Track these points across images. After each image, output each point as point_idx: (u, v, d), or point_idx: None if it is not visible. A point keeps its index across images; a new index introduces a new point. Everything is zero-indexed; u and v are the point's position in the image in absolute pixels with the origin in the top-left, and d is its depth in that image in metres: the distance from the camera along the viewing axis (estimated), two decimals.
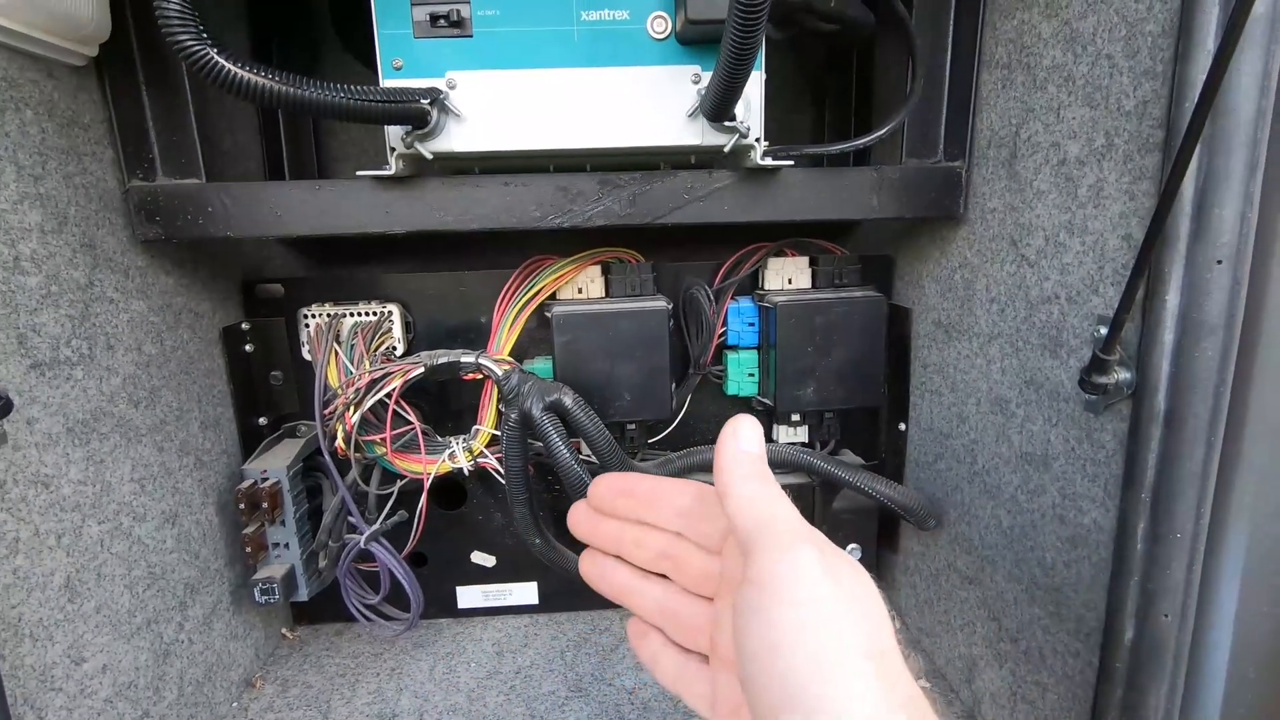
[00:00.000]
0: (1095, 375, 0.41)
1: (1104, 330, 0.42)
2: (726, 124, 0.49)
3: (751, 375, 0.69)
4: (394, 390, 0.60)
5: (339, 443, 0.60)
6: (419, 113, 0.46)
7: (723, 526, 0.29)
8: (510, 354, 0.65)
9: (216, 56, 0.39)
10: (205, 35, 0.39)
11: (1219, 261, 0.35)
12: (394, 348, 0.67)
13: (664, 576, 0.31)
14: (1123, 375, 0.41)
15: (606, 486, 0.33)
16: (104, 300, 0.51)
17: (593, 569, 0.33)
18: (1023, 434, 0.52)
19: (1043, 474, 0.50)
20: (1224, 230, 0.35)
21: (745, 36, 0.38)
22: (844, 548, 0.70)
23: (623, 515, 0.32)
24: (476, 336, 0.70)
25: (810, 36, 0.63)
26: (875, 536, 0.72)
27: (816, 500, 0.68)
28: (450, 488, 0.74)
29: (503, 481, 0.64)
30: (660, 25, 0.49)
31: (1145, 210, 0.40)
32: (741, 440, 0.27)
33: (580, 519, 0.34)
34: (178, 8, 0.38)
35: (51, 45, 0.45)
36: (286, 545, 0.65)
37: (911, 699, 0.21)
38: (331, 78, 0.68)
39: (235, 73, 0.39)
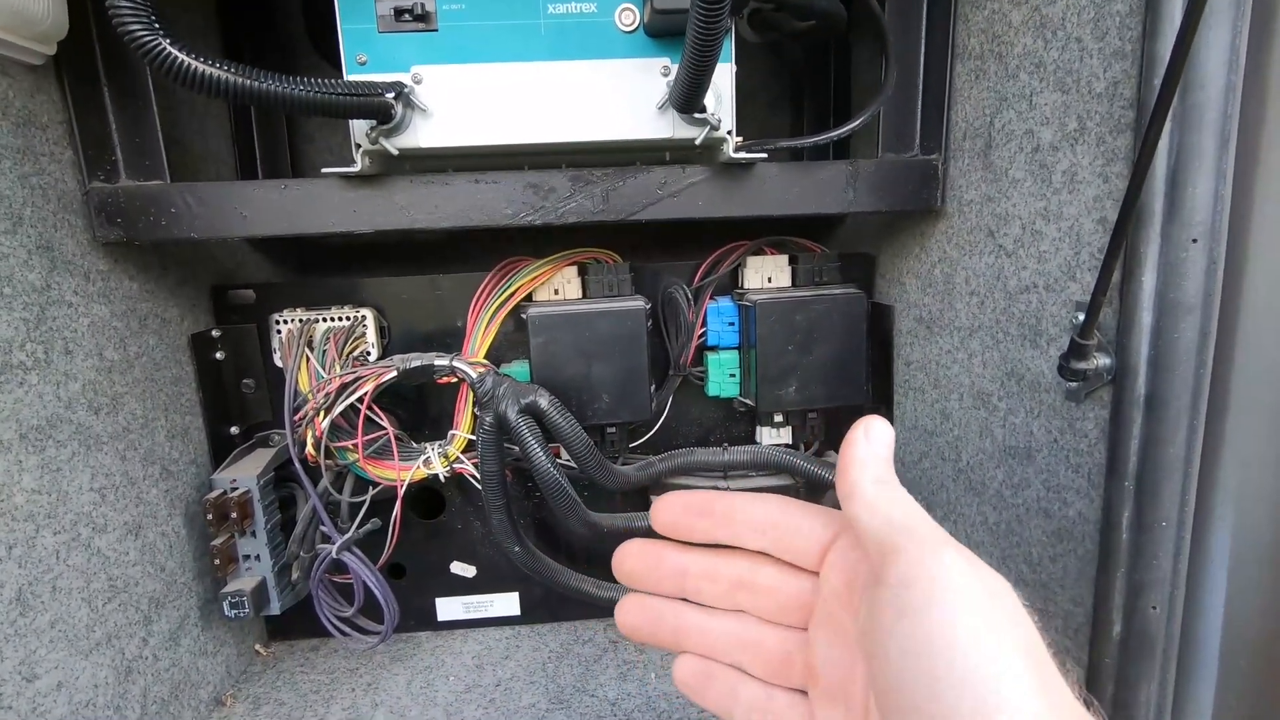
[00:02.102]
0: (1074, 361, 0.40)
1: (1082, 316, 0.41)
2: (697, 115, 0.48)
3: (733, 376, 0.68)
4: (366, 395, 0.59)
5: (309, 449, 0.59)
6: (383, 106, 0.45)
7: (818, 539, 0.27)
8: (486, 357, 0.64)
9: (170, 48, 0.38)
10: (159, 27, 0.38)
11: (1194, 240, 0.35)
12: (369, 353, 0.65)
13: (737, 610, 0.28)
14: (1102, 361, 0.40)
15: (680, 507, 0.29)
16: (62, 304, 0.50)
17: (644, 616, 0.29)
18: (1005, 427, 0.51)
19: (1026, 467, 0.49)
20: (1198, 208, 0.35)
21: (709, 21, 0.38)
22: None
23: (698, 539, 0.29)
24: (453, 341, 0.69)
25: (787, 37, 0.63)
26: None
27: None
28: (428, 496, 0.72)
29: (477, 485, 0.63)
30: (628, 17, 0.48)
31: (1119, 192, 0.39)
32: (873, 441, 0.26)
33: (637, 557, 0.30)
34: None
35: (4, 43, 0.44)
36: (257, 557, 0.63)
37: (1074, 706, 0.20)
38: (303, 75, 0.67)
39: (190, 64, 0.38)
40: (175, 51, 0.38)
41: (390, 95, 0.46)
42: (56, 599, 0.47)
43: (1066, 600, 0.46)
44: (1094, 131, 0.40)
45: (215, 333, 0.66)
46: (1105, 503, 0.41)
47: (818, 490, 0.67)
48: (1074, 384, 0.42)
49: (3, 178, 0.45)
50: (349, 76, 0.48)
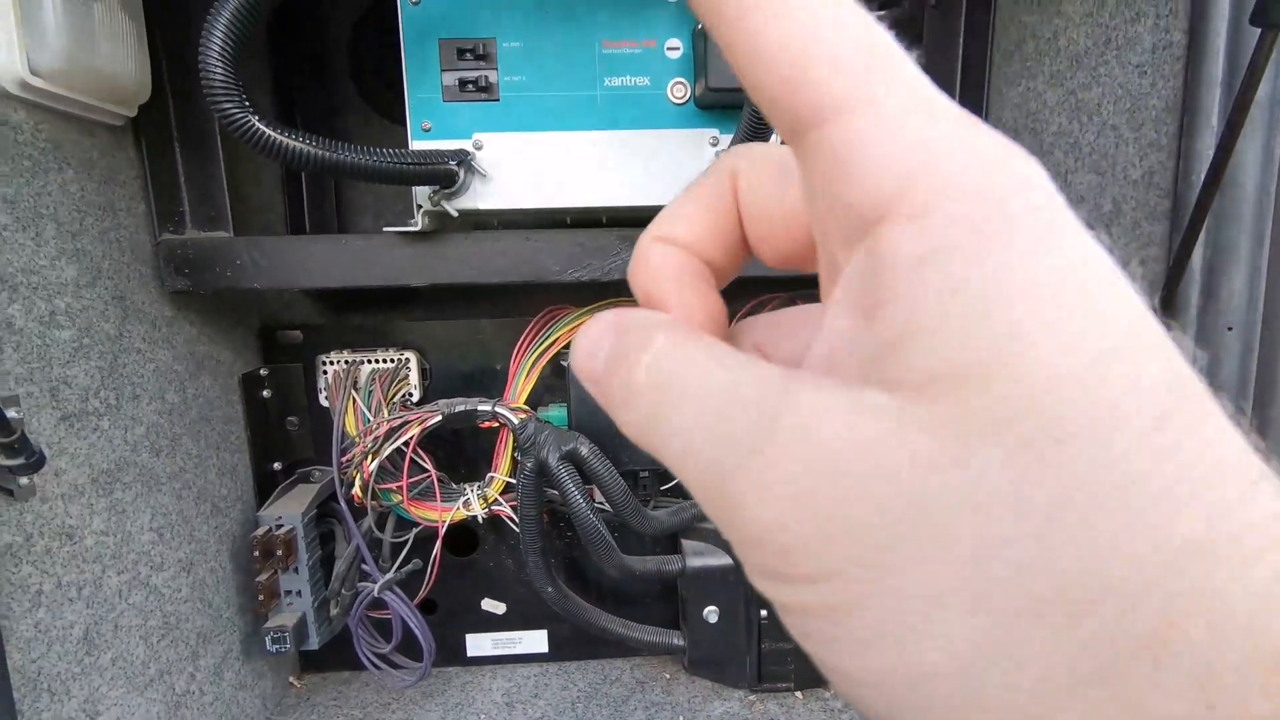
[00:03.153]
0: None
1: None
2: None
3: None
4: (411, 439, 0.61)
5: (356, 491, 0.61)
6: (448, 174, 0.48)
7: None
8: (526, 402, 0.66)
9: (258, 124, 0.40)
10: (247, 102, 0.40)
11: (1229, 328, 0.36)
12: (410, 394, 0.68)
13: None
14: None
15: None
16: (132, 351, 0.52)
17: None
18: None
19: None
20: (1234, 296, 0.36)
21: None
22: None
23: None
24: (491, 383, 0.71)
25: None
26: None
27: None
28: (462, 534, 0.74)
29: (515, 528, 0.64)
30: (680, 91, 0.51)
31: (1155, 275, 0.41)
32: None
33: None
34: (222, 77, 0.39)
35: (95, 108, 0.47)
36: (299, 593, 0.65)
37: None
38: (350, 125, 0.70)
39: (275, 139, 0.41)
40: (263, 128, 0.40)
41: (454, 163, 0.48)
42: (118, 637, 0.49)
43: None
44: (1129, 215, 0.42)
45: (263, 372, 0.69)
46: None
47: None
48: None
49: (86, 234, 0.48)
50: (414, 142, 0.51)
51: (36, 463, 0.40)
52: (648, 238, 0.17)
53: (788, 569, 0.12)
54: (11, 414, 0.39)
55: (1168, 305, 0.37)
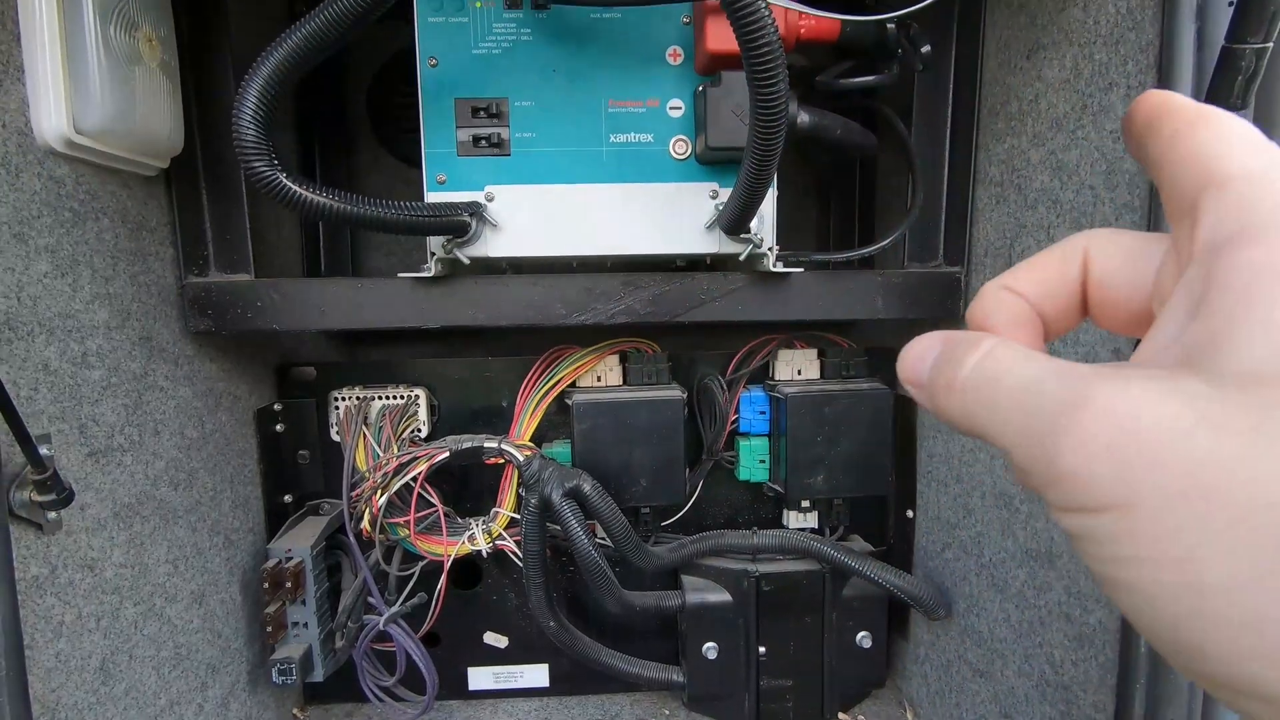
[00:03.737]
0: None
1: None
2: (742, 236, 0.53)
3: (763, 461, 0.71)
4: (419, 474, 0.62)
5: (365, 525, 0.62)
6: (461, 224, 0.50)
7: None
8: (530, 439, 0.68)
9: (285, 181, 0.43)
10: (276, 160, 0.43)
11: None
12: (419, 430, 0.70)
13: None
14: None
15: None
16: (155, 389, 0.54)
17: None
18: (1027, 530, 0.54)
19: (1048, 571, 0.51)
20: None
21: (763, 165, 0.43)
22: (855, 635, 0.71)
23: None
24: (498, 420, 0.73)
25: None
26: (886, 624, 0.72)
27: (826, 587, 0.69)
28: (465, 567, 0.75)
29: (518, 563, 0.66)
30: (681, 147, 0.53)
31: None
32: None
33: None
34: (253, 138, 0.42)
35: (132, 161, 0.50)
36: (305, 625, 0.66)
37: None
38: (367, 167, 0.73)
39: (302, 195, 0.43)
40: (290, 185, 0.43)
41: (467, 214, 0.51)
42: (132, 668, 0.50)
43: (1088, 705, 0.48)
44: None
45: (277, 407, 0.71)
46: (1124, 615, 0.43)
47: (842, 576, 0.70)
48: None
49: (118, 279, 0.51)
50: (429, 193, 0.53)
51: (66, 498, 0.42)
52: (995, 285, 0.21)
53: (1091, 502, 0.15)
54: (44, 451, 0.41)
55: None
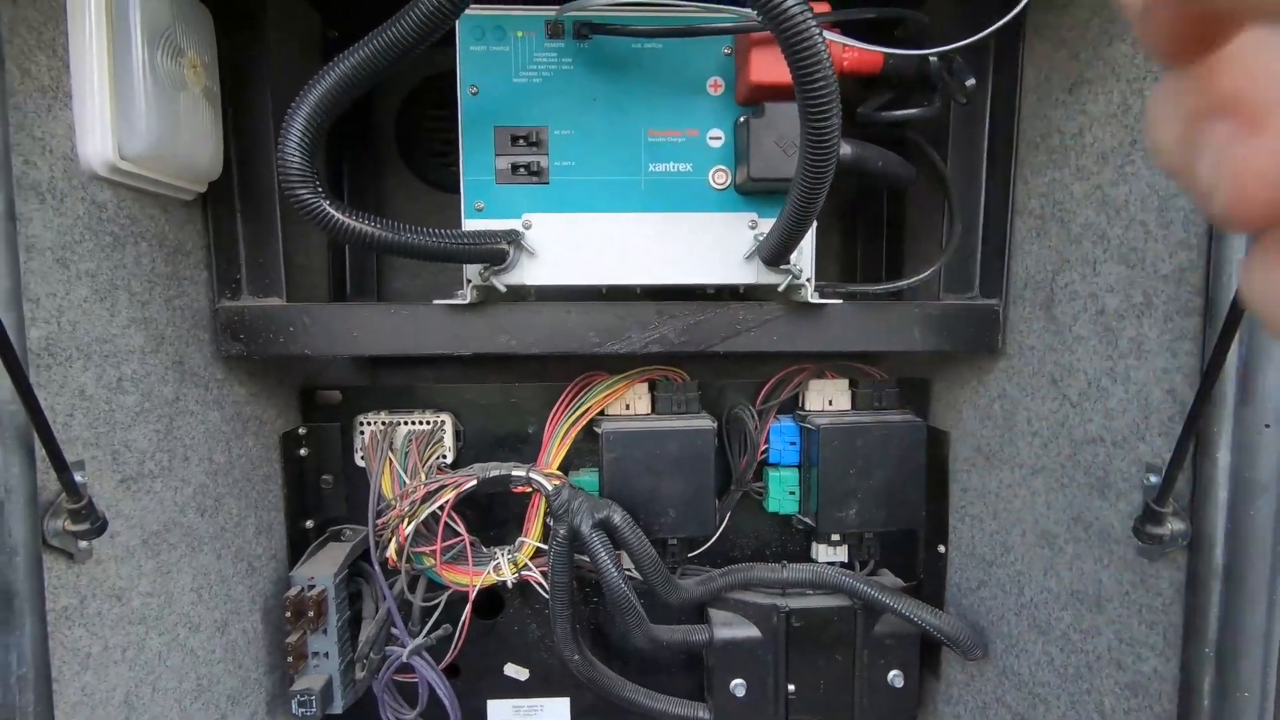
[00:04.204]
0: (1150, 526, 0.42)
1: (1154, 479, 0.43)
2: (782, 267, 0.52)
3: (793, 493, 0.70)
4: (446, 503, 0.61)
5: (390, 554, 0.61)
6: (499, 253, 0.50)
7: None
8: (558, 467, 0.67)
9: (329, 209, 0.43)
10: (320, 189, 0.43)
11: (1267, 425, 0.37)
12: (444, 456, 0.69)
13: None
14: (1177, 526, 0.42)
15: None
16: (186, 413, 0.54)
17: None
18: (1072, 571, 0.52)
19: (1096, 615, 0.50)
20: (1270, 395, 0.37)
21: (810, 199, 0.42)
22: (886, 674, 0.69)
23: None
24: (524, 446, 0.72)
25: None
26: (918, 662, 0.70)
27: (858, 624, 0.68)
28: (487, 596, 0.74)
29: (543, 593, 0.65)
30: (721, 177, 0.53)
31: (1189, 368, 0.42)
32: None
33: None
34: (298, 166, 0.42)
35: (172, 186, 0.50)
36: (326, 655, 0.65)
37: None
38: (394, 190, 0.73)
39: (345, 223, 0.43)
40: (334, 213, 0.43)
41: (505, 243, 0.50)
42: (155, 700, 0.49)
43: None
44: (1161, 309, 0.44)
45: (302, 431, 0.70)
46: (1183, 665, 0.42)
47: (874, 612, 0.68)
48: (1148, 545, 0.44)
49: (154, 302, 0.50)
50: (466, 221, 0.53)
51: (100, 528, 0.41)
52: None
53: None
54: (78, 478, 0.41)
55: (1203, 402, 0.38)
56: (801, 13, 0.35)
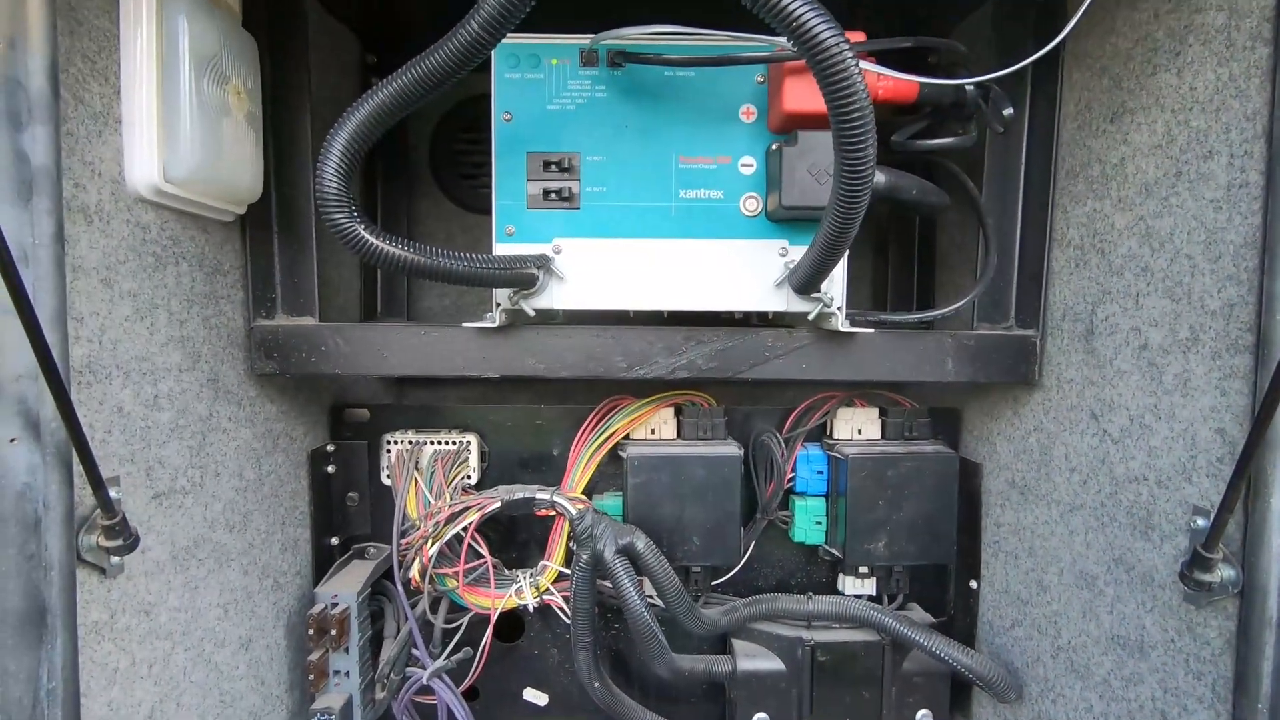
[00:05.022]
0: (1198, 572, 0.41)
1: (1202, 522, 0.41)
2: (813, 295, 0.52)
3: (819, 523, 0.69)
4: (471, 525, 0.61)
5: (414, 575, 0.61)
6: (529, 277, 0.50)
7: None
8: (583, 491, 0.66)
9: (365, 234, 0.43)
10: (356, 214, 0.43)
11: None
12: (469, 477, 0.69)
13: None
14: (1227, 573, 0.40)
15: None
16: (218, 430, 0.54)
17: None
18: (1114, 615, 0.51)
19: (1139, 662, 0.48)
20: None
21: (844, 228, 0.42)
22: (914, 712, 0.67)
23: None
24: (547, 468, 0.72)
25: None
26: (948, 702, 0.68)
27: (886, 660, 0.66)
28: (507, 619, 0.73)
29: (564, 618, 0.64)
30: (752, 204, 0.53)
31: (1239, 407, 0.40)
32: None
33: None
34: (335, 191, 0.43)
35: (214, 208, 0.51)
36: (347, 673, 0.65)
37: None
38: (426, 211, 0.74)
39: (380, 247, 0.44)
40: (370, 237, 0.43)
41: (535, 267, 0.51)
42: (179, 715, 0.49)
43: None
44: (1209, 345, 0.42)
45: (330, 448, 0.71)
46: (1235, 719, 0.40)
47: (903, 648, 0.66)
48: (1195, 591, 0.42)
49: (191, 321, 0.51)
50: (497, 244, 0.53)
51: (133, 544, 0.42)
52: None
53: None
54: (113, 494, 0.41)
55: (1257, 443, 0.36)
56: (837, 43, 0.35)
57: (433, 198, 0.86)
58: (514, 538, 0.72)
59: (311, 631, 0.62)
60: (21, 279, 0.33)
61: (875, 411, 0.69)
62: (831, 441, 0.69)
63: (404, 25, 0.74)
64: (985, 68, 0.52)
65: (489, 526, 0.70)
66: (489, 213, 0.85)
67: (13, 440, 0.36)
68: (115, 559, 0.43)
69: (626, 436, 0.67)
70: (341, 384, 0.76)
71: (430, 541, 0.60)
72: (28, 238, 0.36)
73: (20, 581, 0.37)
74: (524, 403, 0.72)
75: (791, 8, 0.34)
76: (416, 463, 0.67)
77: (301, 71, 0.59)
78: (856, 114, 0.36)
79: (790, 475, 0.69)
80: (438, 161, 0.86)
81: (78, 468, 0.39)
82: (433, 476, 0.66)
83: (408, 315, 0.85)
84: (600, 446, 0.66)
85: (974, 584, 0.69)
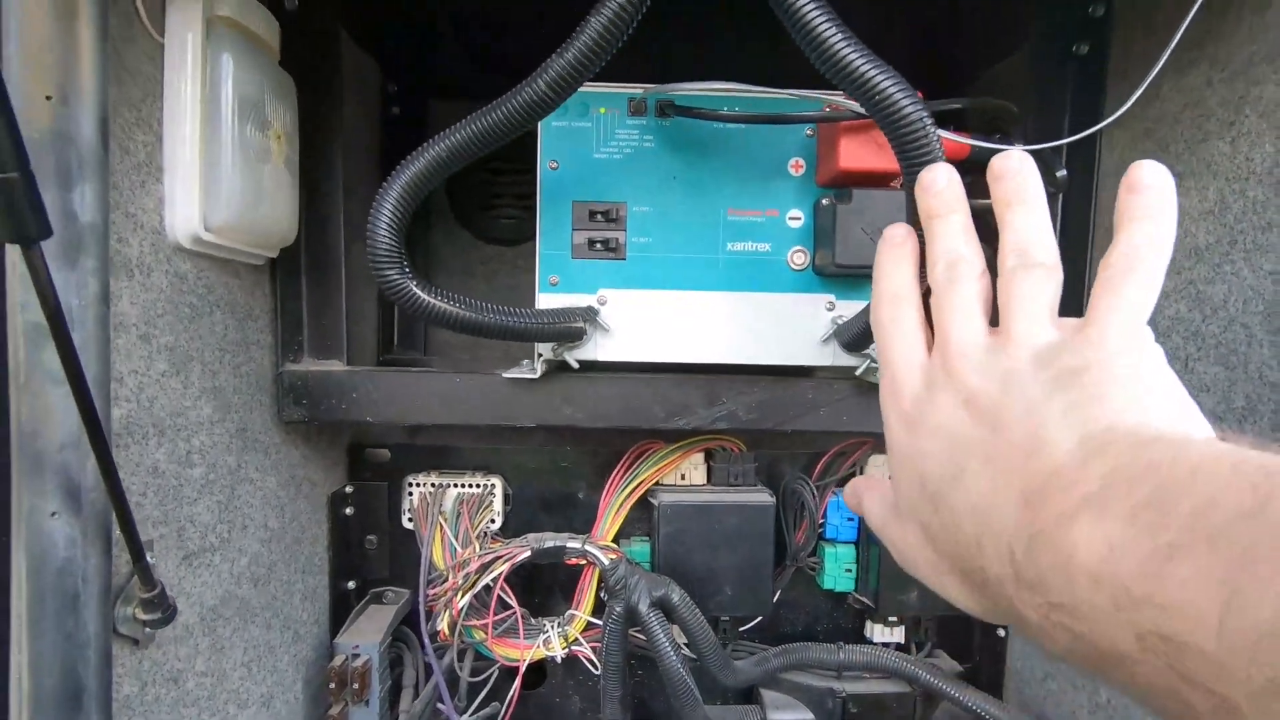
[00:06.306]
0: None
1: None
2: (862, 351, 0.51)
3: (849, 571, 0.68)
4: (500, 575, 0.60)
5: (443, 628, 0.59)
6: (578, 331, 0.49)
7: None
8: (613, 539, 0.65)
9: (416, 290, 0.42)
10: (408, 270, 0.42)
11: None
12: (493, 522, 0.67)
13: None
14: None
15: None
16: (246, 481, 0.52)
17: None
18: None
19: None
20: None
21: None
22: None
23: None
24: (571, 511, 0.71)
25: None
26: None
27: (917, 711, 0.65)
28: (530, 665, 0.72)
29: (590, 668, 0.63)
30: (800, 258, 0.52)
31: None
32: None
33: None
34: (387, 246, 0.41)
35: (247, 253, 0.50)
36: None
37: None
38: (442, 241, 0.73)
39: (430, 303, 0.42)
40: (421, 294, 0.42)
41: (582, 321, 0.50)
42: None
43: None
44: (1268, 417, 0.42)
45: (348, 489, 0.69)
46: None
47: (934, 699, 0.66)
48: None
49: (223, 370, 0.49)
50: (541, 295, 0.52)
51: (170, 616, 0.40)
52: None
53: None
54: (151, 560, 0.39)
55: None
56: (917, 112, 0.35)
57: (449, 229, 0.85)
58: (537, 583, 0.71)
59: (332, 685, 0.60)
60: (75, 346, 0.31)
61: None
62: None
63: (426, 52, 0.73)
64: (1031, 116, 0.52)
65: (513, 573, 0.69)
66: (506, 244, 0.86)
67: (53, 514, 0.34)
68: (149, 630, 0.41)
69: (658, 484, 0.66)
70: (360, 424, 0.74)
71: (460, 593, 0.59)
72: (74, 299, 0.35)
73: (57, 661, 0.35)
74: (542, 443, 0.70)
75: (872, 77, 0.34)
76: (440, 506, 0.65)
77: (335, 110, 0.57)
78: None
79: (820, 522, 0.68)
80: (455, 193, 0.84)
81: (115, 535, 0.37)
82: (458, 521, 0.64)
83: (424, 350, 0.83)
84: (631, 494, 0.65)
85: (1000, 632, 0.69)
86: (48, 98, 0.33)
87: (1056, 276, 0.27)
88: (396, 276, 0.42)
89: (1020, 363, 0.25)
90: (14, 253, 0.33)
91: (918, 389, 0.29)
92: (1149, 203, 0.26)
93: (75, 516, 0.35)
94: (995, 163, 0.30)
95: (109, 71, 0.36)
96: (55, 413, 0.34)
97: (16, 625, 0.34)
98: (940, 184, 0.31)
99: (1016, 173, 0.29)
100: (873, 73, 0.34)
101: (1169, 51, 0.43)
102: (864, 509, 0.34)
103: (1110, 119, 0.47)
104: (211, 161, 0.44)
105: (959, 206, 0.31)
